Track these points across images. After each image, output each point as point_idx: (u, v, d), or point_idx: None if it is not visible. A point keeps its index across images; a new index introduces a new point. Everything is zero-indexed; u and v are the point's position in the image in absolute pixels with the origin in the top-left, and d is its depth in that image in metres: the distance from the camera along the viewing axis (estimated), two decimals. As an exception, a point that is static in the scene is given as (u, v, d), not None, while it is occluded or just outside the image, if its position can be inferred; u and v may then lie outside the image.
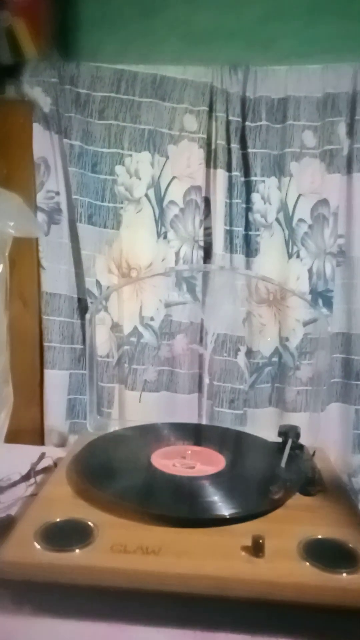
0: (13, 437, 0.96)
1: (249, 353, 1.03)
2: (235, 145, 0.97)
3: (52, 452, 0.85)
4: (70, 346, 1.02)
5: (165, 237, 1.00)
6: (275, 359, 1.03)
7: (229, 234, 0.99)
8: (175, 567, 0.52)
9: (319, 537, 0.56)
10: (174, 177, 1.00)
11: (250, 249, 1.00)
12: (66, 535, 0.56)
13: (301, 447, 0.76)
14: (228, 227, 0.99)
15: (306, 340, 1.01)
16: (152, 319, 1.01)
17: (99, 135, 0.97)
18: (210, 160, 0.99)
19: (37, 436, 1.01)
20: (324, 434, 0.97)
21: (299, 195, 0.99)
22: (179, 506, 0.62)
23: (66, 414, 1.03)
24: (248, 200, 0.99)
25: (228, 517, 0.59)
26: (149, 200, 0.99)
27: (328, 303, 1.01)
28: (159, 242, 1.00)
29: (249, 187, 0.99)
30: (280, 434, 0.76)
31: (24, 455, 0.83)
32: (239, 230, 0.99)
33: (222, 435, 0.85)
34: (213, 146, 0.98)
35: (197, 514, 0.60)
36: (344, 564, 0.52)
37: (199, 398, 1.05)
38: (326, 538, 0.56)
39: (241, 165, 0.98)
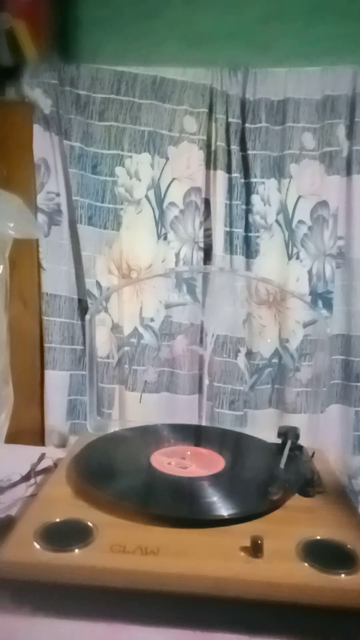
0: (13, 437, 0.97)
1: (249, 354, 1.03)
2: (235, 147, 0.97)
3: (52, 453, 0.85)
4: (71, 347, 1.02)
5: (165, 239, 1.01)
6: (275, 361, 1.03)
7: (229, 236, 1.00)
8: (174, 567, 0.52)
9: (318, 538, 0.57)
10: (174, 179, 1.00)
11: (250, 251, 1.01)
12: (66, 535, 0.56)
13: (300, 448, 0.76)
14: (228, 229, 0.99)
15: (306, 341, 1.01)
16: (152, 320, 1.02)
17: (99, 137, 0.98)
18: (210, 161, 0.99)
19: (37, 437, 1.02)
20: (324, 436, 0.97)
21: (299, 197, 0.99)
22: (178, 506, 0.62)
23: (66, 414, 1.03)
24: (248, 202, 0.99)
25: (227, 517, 0.59)
26: (149, 202, 1.00)
27: (328, 304, 1.01)
28: (159, 243, 1.01)
29: (248, 189, 0.99)
30: (279, 435, 0.76)
31: (24, 456, 0.83)
32: (239, 231, 0.99)
33: (221, 437, 0.85)
34: (213, 148, 0.98)
35: (196, 515, 0.60)
36: (342, 565, 0.52)
37: (199, 399, 1.05)
38: (325, 539, 0.56)
39: (241, 166, 0.99)
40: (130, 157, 0.98)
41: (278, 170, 0.99)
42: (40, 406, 1.02)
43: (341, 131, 0.97)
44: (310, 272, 1.00)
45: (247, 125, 0.97)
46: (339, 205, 0.99)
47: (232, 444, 0.82)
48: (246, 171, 0.99)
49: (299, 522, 0.60)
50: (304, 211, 0.99)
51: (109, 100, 0.97)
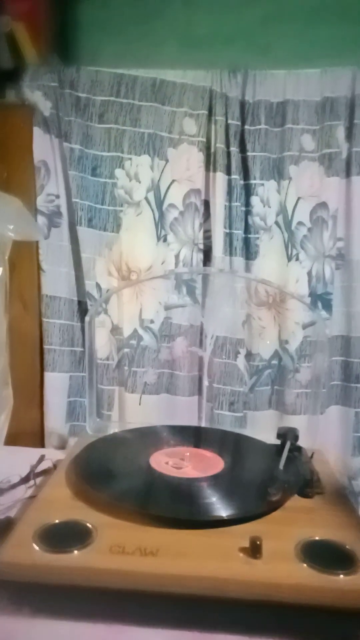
0: (13, 439, 0.97)
1: (249, 356, 1.03)
2: (234, 149, 0.97)
3: (51, 455, 0.85)
4: (70, 349, 1.03)
5: (165, 240, 1.01)
6: (274, 362, 1.03)
7: (229, 237, 1.00)
8: (173, 568, 0.52)
9: (317, 538, 0.57)
10: (173, 180, 1.00)
11: (249, 252, 1.01)
12: (65, 536, 0.56)
13: (300, 449, 0.76)
14: (227, 230, 0.99)
15: (306, 342, 1.01)
16: (152, 321, 1.02)
17: (99, 139, 0.98)
18: (209, 163, 1.00)
19: (37, 438, 1.02)
20: (324, 437, 0.97)
21: (298, 199, 0.99)
22: (177, 507, 0.62)
23: (66, 416, 1.03)
24: (247, 203, 1.00)
25: (226, 518, 0.59)
26: (149, 204, 1.00)
27: (327, 306, 1.01)
28: (159, 245, 1.01)
29: (248, 190, 0.99)
30: (278, 436, 0.76)
31: (24, 458, 0.83)
32: (239, 233, 1.00)
33: (220, 438, 0.85)
34: (212, 149, 0.98)
35: (195, 516, 0.60)
36: (341, 566, 0.52)
37: (198, 400, 1.05)
38: (324, 540, 0.56)
39: (240, 168, 0.99)
40: (130, 159, 0.99)
41: (277, 171, 0.99)
42: (39, 408, 1.02)
43: (340, 133, 0.97)
44: (309, 273, 1.00)
45: (246, 127, 0.97)
46: (338, 207, 0.99)
47: (232, 445, 0.82)
48: (246, 173, 0.99)
49: (298, 522, 0.60)
50: (303, 213, 0.99)
51: (109, 102, 0.97)
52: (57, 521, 0.59)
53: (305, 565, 0.52)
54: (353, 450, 1.03)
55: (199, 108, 0.98)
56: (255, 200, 0.99)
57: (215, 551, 0.54)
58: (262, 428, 1.02)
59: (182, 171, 1.00)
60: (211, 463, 0.73)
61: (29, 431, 1.00)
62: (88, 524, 0.58)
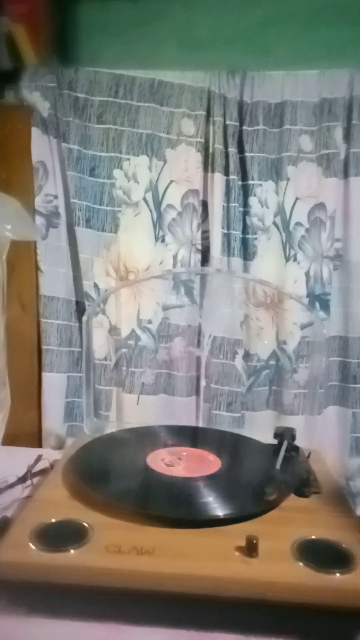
0: (11, 439, 0.97)
1: (247, 356, 1.03)
2: (232, 149, 0.97)
3: (49, 455, 0.85)
4: (68, 349, 1.03)
5: (163, 241, 1.01)
6: (272, 362, 1.03)
7: (227, 238, 1.00)
8: (170, 567, 0.52)
9: (313, 538, 0.57)
10: (171, 181, 1.00)
11: (247, 252, 1.01)
12: (61, 535, 0.56)
13: (296, 449, 0.76)
14: (225, 231, 0.99)
15: (303, 343, 1.01)
16: (149, 322, 1.02)
17: (97, 140, 0.98)
18: (207, 164, 1.00)
19: (34, 439, 1.02)
20: (322, 437, 0.97)
21: (296, 199, 0.99)
22: (173, 507, 0.62)
23: (64, 416, 1.03)
24: (245, 204, 1.00)
25: (223, 517, 0.59)
26: (147, 204, 1.00)
27: (325, 306, 1.01)
28: (157, 245, 1.01)
29: (246, 191, 0.99)
30: (276, 436, 0.76)
31: (21, 458, 0.83)
32: (237, 233, 1.00)
33: (218, 438, 0.85)
34: (211, 150, 0.98)
35: (192, 515, 0.60)
36: (337, 565, 0.52)
37: (196, 401, 1.05)
38: (320, 539, 0.56)
39: (238, 169, 0.99)
40: (128, 159, 0.99)
41: (275, 172, 0.99)
42: (37, 408, 1.02)
43: (338, 134, 0.97)
44: (307, 274, 1.00)
45: (244, 127, 0.97)
46: (336, 208, 0.99)
47: (229, 445, 0.82)
48: (244, 173, 0.99)
49: (294, 522, 0.60)
50: (301, 213, 0.99)
51: (107, 103, 0.97)
52: (53, 520, 0.59)
53: (301, 564, 0.52)
54: (350, 451, 1.03)
55: (197, 109, 0.98)
56: (253, 200, 0.99)
57: (212, 550, 0.54)
58: (260, 428, 1.02)
59: (180, 172, 1.00)
60: (208, 463, 0.73)
61: (26, 431, 1.00)
62: (84, 524, 0.58)
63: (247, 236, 1.00)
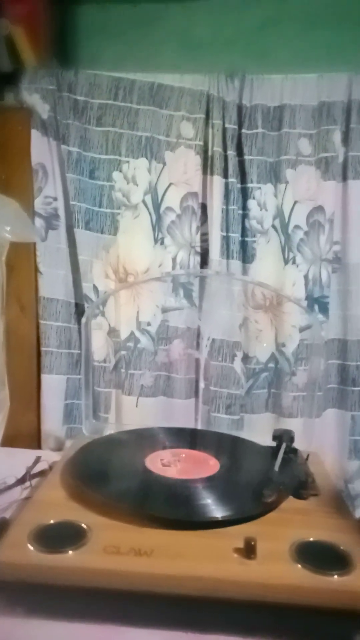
0: (10, 441, 0.97)
1: (246, 358, 1.03)
2: (231, 152, 0.98)
3: (47, 456, 0.85)
4: (68, 351, 1.03)
5: (162, 243, 1.01)
6: (271, 365, 1.04)
7: (226, 240, 1.00)
8: (168, 568, 0.52)
9: (311, 539, 0.57)
10: (170, 184, 1.00)
11: (246, 255, 1.01)
12: (59, 537, 0.56)
13: (295, 451, 0.76)
14: (224, 233, 1.00)
15: (302, 346, 1.01)
16: (149, 324, 1.02)
17: (97, 142, 0.98)
18: (206, 166, 1.00)
19: (34, 441, 1.02)
20: (321, 440, 0.98)
21: (295, 202, 0.99)
22: (171, 508, 0.62)
23: (63, 418, 1.03)
24: (244, 207, 1.00)
25: (221, 519, 0.59)
26: (146, 206, 1.00)
27: (324, 309, 1.01)
28: (156, 247, 1.01)
29: (245, 194, 1.00)
30: (274, 438, 0.77)
31: (20, 459, 0.84)
32: (236, 236, 1.00)
33: (216, 440, 0.85)
34: (210, 153, 0.99)
35: (189, 516, 0.60)
36: (335, 566, 0.52)
37: (195, 403, 1.05)
38: (318, 541, 0.57)
39: (237, 172, 0.99)
40: (128, 162, 0.99)
41: (274, 175, 0.99)
42: (36, 410, 1.02)
43: (337, 137, 0.98)
44: (306, 276, 1.00)
45: (243, 130, 0.98)
46: (335, 211, 0.99)
47: (227, 447, 0.82)
48: (243, 176, 0.99)
49: (292, 524, 0.60)
50: (300, 216, 1.00)
51: (107, 105, 0.98)
52: (52, 522, 0.59)
53: (299, 565, 0.52)
54: (349, 454, 1.03)
55: (196, 112, 0.98)
56: (252, 203, 0.99)
57: (210, 552, 0.54)
58: (259, 431, 1.02)
59: (180, 174, 1.00)
60: (206, 465, 0.73)
61: (25, 433, 1.00)
62: (83, 525, 0.58)
63: (246, 239, 1.00)
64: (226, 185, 0.99)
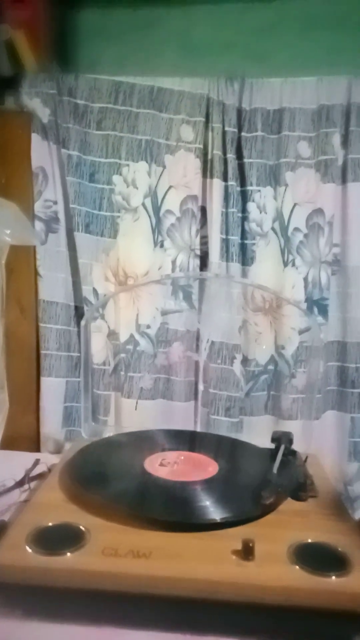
0: (9, 444, 0.96)
1: (245, 361, 1.04)
2: (231, 155, 0.98)
3: (46, 459, 0.85)
4: (67, 354, 1.03)
5: (161, 246, 1.01)
6: (271, 367, 1.04)
7: (225, 243, 1.00)
8: (166, 570, 0.52)
9: (309, 541, 0.57)
10: (170, 187, 1.01)
11: (246, 258, 1.01)
12: (58, 539, 0.56)
13: (294, 453, 0.76)
14: (224, 236, 1.00)
15: (302, 348, 1.01)
16: (148, 326, 1.02)
17: (97, 145, 0.99)
18: (206, 170, 1.00)
19: (33, 443, 1.02)
20: (320, 442, 0.98)
21: (295, 205, 1.00)
22: (170, 510, 0.62)
23: (62, 421, 1.03)
24: (244, 210, 1.00)
25: (219, 521, 0.59)
26: (146, 209, 1.00)
27: (323, 311, 1.01)
28: (156, 250, 1.01)
29: (244, 197, 1.00)
30: (273, 440, 0.76)
31: (19, 462, 0.84)
32: (235, 239, 1.00)
33: (215, 442, 0.85)
34: (209, 156, 0.99)
35: (188, 518, 0.60)
36: (333, 568, 0.52)
37: (195, 406, 1.05)
38: (316, 542, 0.56)
39: (237, 175, 0.99)
40: (128, 165, 0.99)
41: (274, 178, 1.00)
42: (36, 413, 1.02)
43: (336, 140, 0.98)
44: (306, 279, 1.01)
45: (243, 134, 0.98)
46: (334, 213, 1.00)
47: (226, 449, 0.82)
48: (242, 179, 1.00)
49: (291, 525, 0.60)
50: (299, 219, 1.00)
51: (107, 109, 0.98)
52: (50, 524, 0.59)
53: (297, 567, 0.52)
54: (349, 456, 1.03)
55: (196, 115, 0.99)
56: (251, 206, 0.99)
57: (208, 554, 0.54)
58: (258, 433, 1.02)
59: (179, 177, 1.00)
60: (205, 467, 0.73)
61: (25, 436, 1.01)
62: (81, 527, 0.58)
63: (246, 241, 1.00)
64: (226, 188, 0.99)
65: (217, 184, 0.98)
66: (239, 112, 0.98)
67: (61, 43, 1.03)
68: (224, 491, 0.66)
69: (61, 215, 1.00)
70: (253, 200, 0.99)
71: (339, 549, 0.55)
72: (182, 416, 1.05)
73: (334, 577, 0.51)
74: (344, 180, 0.99)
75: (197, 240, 1.03)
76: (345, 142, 0.98)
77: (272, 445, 0.76)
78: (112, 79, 0.98)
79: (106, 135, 0.99)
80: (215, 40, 1.03)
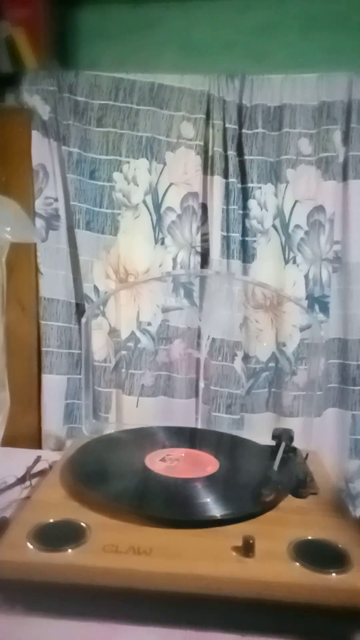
0: (10, 441, 0.97)
1: (246, 358, 1.04)
2: (232, 152, 0.98)
3: (48, 456, 0.85)
4: (68, 351, 1.03)
5: (162, 243, 1.01)
6: (272, 364, 1.04)
7: (226, 240, 1.00)
8: (166, 567, 0.52)
9: (309, 538, 0.57)
10: (171, 184, 1.01)
11: (247, 255, 1.01)
12: (59, 535, 0.56)
13: (294, 450, 0.76)
14: (225, 233, 1.00)
15: (303, 345, 1.01)
16: (149, 324, 1.02)
17: (97, 143, 0.99)
18: (207, 167, 1.00)
19: (34, 441, 1.02)
20: (321, 439, 0.98)
21: (295, 202, 0.99)
22: (171, 507, 0.62)
23: (64, 418, 1.03)
24: (245, 207, 1.00)
25: (219, 518, 0.59)
26: (147, 207, 1.00)
27: (324, 309, 1.01)
28: (157, 247, 1.01)
29: (245, 194, 1.00)
30: (273, 437, 0.76)
31: (20, 459, 0.84)
32: (236, 236, 1.00)
33: (216, 439, 0.85)
34: (210, 153, 0.99)
35: (188, 515, 0.60)
36: (333, 565, 0.52)
37: (196, 403, 1.06)
38: (316, 539, 0.56)
39: (238, 172, 0.99)
40: (128, 162, 0.99)
41: (275, 175, 0.99)
42: (37, 410, 1.02)
43: (337, 137, 0.98)
44: (307, 276, 1.01)
45: (244, 130, 0.98)
46: (335, 210, 0.99)
47: (227, 446, 0.82)
48: (243, 176, 1.00)
49: (291, 522, 0.60)
50: (300, 216, 1.00)
51: (107, 106, 0.98)
52: (51, 520, 0.59)
53: (297, 564, 0.52)
54: (350, 453, 1.03)
55: (196, 112, 0.99)
56: (252, 203, 0.99)
57: (209, 550, 0.54)
58: (259, 430, 1.02)
59: (180, 174, 1.00)
60: (206, 464, 0.73)
61: (26, 433, 1.01)
62: (82, 524, 0.58)
63: (247, 239, 1.00)
64: (226, 185, 0.99)
65: (217, 181, 0.98)
66: (240, 108, 0.98)
67: (61, 41, 1.03)
68: (224, 488, 0.66)
69: (62, 213, 1.00)
70: (254, 197, 0.99)
71: (339, 546, 0.55)
72: (183, 413, 1.05)
73: (334, 574, 0.51)
74: (344, 178, 0.99)
75: (198, 238, 1.03)
76: (346, 139, 0.98)
77: (273, 443, 0.76)
78: (113, 75, 0.98)
79: (106, 132, 0.98)
80: (215, 39, 1.02)
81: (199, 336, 1.04)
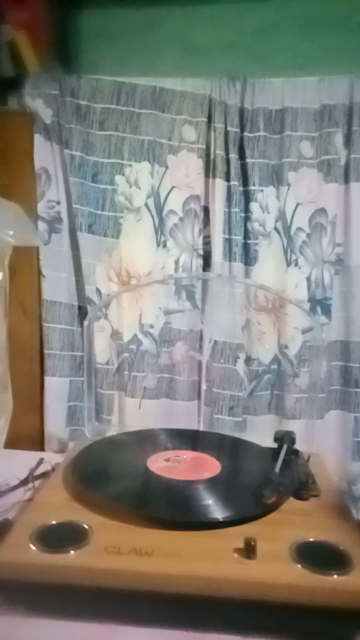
0: (13, 443, 0.97)
1: (248, 360, 1.04)
2: (233, 155, 0.98)
3: (50, 458, 0.85)
4: (71, 353, 1.03)
5: (164, 246, 1.02)
6: (274, 367, 1.04)
7: (228, 243, 1.00)
8: (168, 568, 0.52)
9: (311, 540, 0.57)
10: (173, 187, 1.01)
11: (249, 258, 1.01)
12: (61, 537, 0.56)
13: (296, 452, 0.76)
14: (227, 236, 1.00)
15: (305, 347, 1.01)
16: (151, 326, 1.02)
17: (99, 146, 0.99)
18: (209, 170, 1.00)
19: (37, 442, 1.02)
20: (324, 441, 0.98)
21: (297, 205, 1.00)
22: (173, 509, 0.62)
23: (66, 421, 1.04)
24: (247, 210, 1.00)
25: (221, 520, 0.59)
26: (149, 210, 1.01)
27: (327, 311, 1.01)
28: (159, 250, 1.01)
29: (247, 197, 1.00)
30: (275, 440, 0.77)
31: (23, 461, 0.84)
32: (238, 238, 1.00)
33: (218, 441, 0.86)
34: (212, 156, 0.99)
35: (190, 517, 0.60)
36: (335, 566, 0.52)
37: (198, 405, 1.06)
38: (318, 541, 0.57)
39: (240, 174, 1.00)
40: (130, 165, 1.00)
41: (276, 178, 1.00)
42: (39, 412, 1.03)
43: (339, 140, 0.98)
44: (309, 278, 1.01)
45: (245, 134, 0.98)
46: (337, 213, 1.00)
47: (228, 448, 0.83)
48: (245, 179, 1.00)
49: (293, 524, 0.61)
50: (302, 218, 1.00)
51: (109, 110, 0.98)
52: (54, 522, 0.59)
53: (299, 565, 0.52)
54: (352, 455, 1.02)
55: (198, 115, 0.99)
56: (254, 206, 0.99)
57: (210, 552, 0.55)
58: (262, 432, 1.02)
59: (182, 178, 1.01)
60: (208, 466, 0.73)
61: (28, 435, 1.01)
62: (84, 525, 0.58)
63: (249, 241, 1.01)
64: (228, 188, 0.99)
65: (219, 184, 0.99)
66: (241, 112, 0.98)
67: (63, 44, 1.03)
68: (226, 490, 0.66)
69: (64, 216, 1.01)
70: (256, 200, 0.99)
71: (341, 548, 0.55)
72: (186, 415, 1.05)
73: (335, 576, 0.51)
74: (346, 180, 0.99)
75: (200, 240, 1.03)
76: (348, 141, 0.98)
77: (275, 445, 0.77)
78: (114, 79, 0.98)
79: (109, 135, 0.99)
80: (216, 41, 1.03)
81: (201, 339, 1.04)
